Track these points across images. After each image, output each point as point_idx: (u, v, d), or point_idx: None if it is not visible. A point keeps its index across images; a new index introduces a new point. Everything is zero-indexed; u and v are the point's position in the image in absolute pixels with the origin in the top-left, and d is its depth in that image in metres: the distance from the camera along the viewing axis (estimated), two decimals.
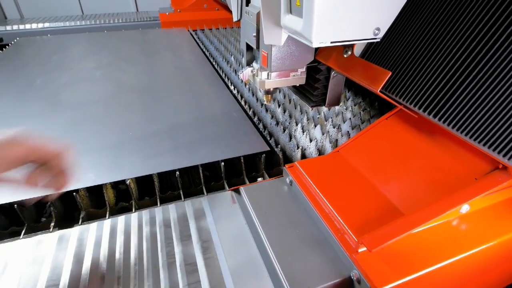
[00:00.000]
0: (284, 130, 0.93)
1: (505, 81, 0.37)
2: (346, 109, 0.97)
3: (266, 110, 1.04)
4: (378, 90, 0.51)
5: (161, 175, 0.76)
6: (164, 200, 0.73)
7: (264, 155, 0.81)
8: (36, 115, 1.01)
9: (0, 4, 2.41)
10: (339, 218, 0.52)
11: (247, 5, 0.64)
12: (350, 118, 0.90)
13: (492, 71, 0.38)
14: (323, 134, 0.87)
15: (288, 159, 0.87)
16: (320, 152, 0.83)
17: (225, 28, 2.13)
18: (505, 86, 0.37)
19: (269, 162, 0.85)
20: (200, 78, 1.31)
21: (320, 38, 0.44)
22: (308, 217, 0.57)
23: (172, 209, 0.62)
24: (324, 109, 0.98)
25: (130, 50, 1.65)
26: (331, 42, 0.45)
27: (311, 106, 0.75)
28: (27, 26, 2.08)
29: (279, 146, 0.86)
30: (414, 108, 0.46)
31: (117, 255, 0.53)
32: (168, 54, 1.60)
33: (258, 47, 0.64)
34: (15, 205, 0.64)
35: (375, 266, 0.45)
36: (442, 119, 0.43)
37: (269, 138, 0.93)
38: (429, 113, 0.44)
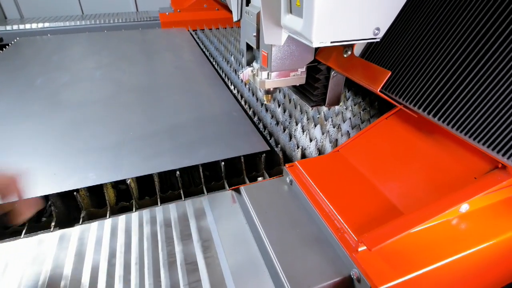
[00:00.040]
0: (284, 130, 0.93)
1: (504, 81, 0.37)
2: (346, 108, 0.98)
3: (266, 110, 1.05)
4: (378, 90, 0.51)
5: (161, 174, 0.77)
6: (165, 200, 0.73)
7: (264, 154, 0.81)
8: (36, 115, 1.01)
9: (0, 4, 2.41)
10: (339, 217, 0.52)
11: (247, 5, 0.65)
12: (350, 118, 0.90)
13: (491, 71, 0.38)
14: (323, 133, 0.87)
15: (288, 159, 0.87)
16: (320, 151, 0.84)
17: (225, 28, 2.13)
18: (504, 85, 0.37)
19: (269, 162, 0.85)
20: (200, 78, 1.31)
21: (320, 38, 0.44)
22: (308, 216, 0.57)
23: (172, 208, 0.62)
24: (324, 108, 0.98)
25: (130, 50, 1.66)
26: (331, 42, 0.46)
27: (311, 106, 0.75)
28: (27, 26, 2.08)
29: (279, 145, 0.87)
30: (413, 108, 0.46)
31: (118, 254, 0.53)
32: (168, 54, 1.60)
33: (258, 47, 0.65)
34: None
35: (375, 265, 0.45)
36: (442, 119, 0.43)
37: (269, 138, 0.93)
38: (429, 113, 0.44)
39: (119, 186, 0.79)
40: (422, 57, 0.46)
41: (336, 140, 0.84)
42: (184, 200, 0.67)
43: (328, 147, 0.82)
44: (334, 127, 0.88)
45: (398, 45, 0.49)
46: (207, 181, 0.78)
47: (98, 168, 0.76)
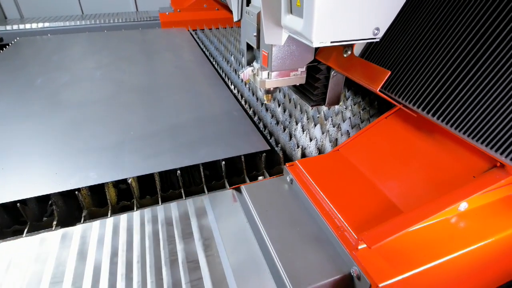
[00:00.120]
0: (284, 129, 0.93)
1: (503, 80, 0.38)
2: (346, 108, 0.98)
3: (266, 110, 1.05)
4: (378, 90, 0.51)
5: (161, 174, 0.77)
6: (165, 199, 0.74)
7: (265, 154, 0.81)
8: (36, 115, 1.01)
9: (0, 4, 2.41)
10: (339, 215, 0.52)
11: (247, 5, 0.65)
12: (349, 117, 0.91)
13: (490, 70, 0.39)
14: (323, 133, 0.88)
15: (288, 158, 0.87)
16: (320, 151, 0.84)
17: (225, 28, 2.13)
18: (503, 85, 0.38)
19: (269, 161, 0.86)
20: (200, 77, 1.31)
21: (320, 38, 0.45)
22: (309, 215, 0.58)
23: (174, 207, 0.63)
24: (324, 108, 0.99)
25: (130, 50, 1.66)
26: (331, 42, 0.46)
27: (311, 106, 0.75)
28: (27, 26, 2.08)
29: (279, 145, 0.87)
30: (413, 107, 0.47)
31: (120, 253, 0.53)
32: (168, 54, 1.60)
33: (258, 46, 0.65)
34: (18, 204, 0.65)
35: (375, 262, 0.45)
36: (441, 118, 0.43)
37: (269, 137, 0.94)
38: (428, 112, 0.45)
39: (120, 185, 0.79)
40: (421, 57, 0.46)
41: (336, 139, 0.84)
42: (185, 199, 0.67)
43: (328, 146, 0.83)
44: (334, 127, 0.88)
45: (397, 45, 0.50)
46: (208, 181, 0.79)
47: (99, 168, 0.76)
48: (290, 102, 1.06)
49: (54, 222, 0.67)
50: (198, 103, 1.08)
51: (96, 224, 0.59)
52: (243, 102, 1.14)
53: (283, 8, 0.49)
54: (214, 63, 1.52)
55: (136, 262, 0.52)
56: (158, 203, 0.72)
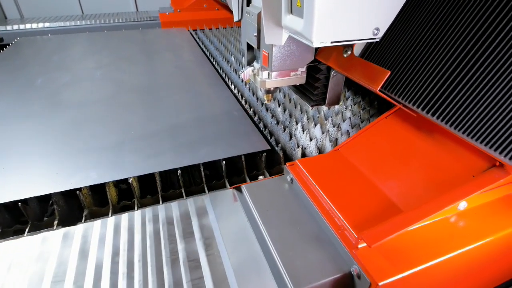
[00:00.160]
0: (285, 129, 0.94)
1: (502, 80, 0.38)
2: (346, 108, 0.98)
3: (267, 110, 1.05)
4: (378, 89, 0.51)
5: (162, 174, 0.77)
6: (166, 199, 0.74)
7: (265, 154, 0.81)
8: (36, 115, 1.02)
9: (0, 4, 2.41)
10: (339, 215, 0.53)
11: (248, 5, 0.65)
12: (349, 117, 0.91)
13: (489, 70, 0.39)
14: (323, 133, 0.88)
15: (288, 158, 0.88)
16: (320, 151, 0.84)
17: (225, 28, 2.13)
18: (502, 84, 0.38)
19: (269, 161, 0.86)
20: (200, 77, 1.31)
21: (321, 38, 0.45)
22: (309, 214, 0.58)
23: (174, 207, 0.63)
24: (324, 108, 0.99)
25: (130, 50, 1.66)
26: (331, 42, 0.46)
27: (311, 105, 0.76)
28: (27, 26, 2.08)
29: (280, 145, 0.87)
30: (412, 107, 0.47)
31: (121, 252, 0.53)
32: (168, 54, 1.60)
33: (259, 47, 0.65)
34: (19, 203, 0.65)
35: (375, 261, 0.46)
36: (440, 118, 0.44)
37: (269, 137, 0.94)
38: (428, 112, 0.45)
39: (121, 185, 0.79)
40: (421, 57, 0.47)
41: (336, 139, 0.85)
42: (186, 198, 0.67)
43: (328, 146, 0.83)
44: (334, 127, 0.89)
45: (397, 45, 0.50)
46: (208, 180, 0.79)
47: (100, 168, 0.76)
48: (290, 102, 1.07)
49: (55, 222, 0.68)
50: (198, 103, 1.08)
51: (97, 223, 0.59)
52: (243, 102, 1.15)
53: (283, 8, 0.50)
54: (214, 63, 1.52)
55: (138, 261, 0.52)
56: (159, 202, 0.73)
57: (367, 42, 0.56)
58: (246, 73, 0.69)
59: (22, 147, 0.85)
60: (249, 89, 1.21)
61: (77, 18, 2.25)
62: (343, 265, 0.48)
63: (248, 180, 0.80)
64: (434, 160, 0.53)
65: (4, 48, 1.70)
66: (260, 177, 0.80)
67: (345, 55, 0.60)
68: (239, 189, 0.67)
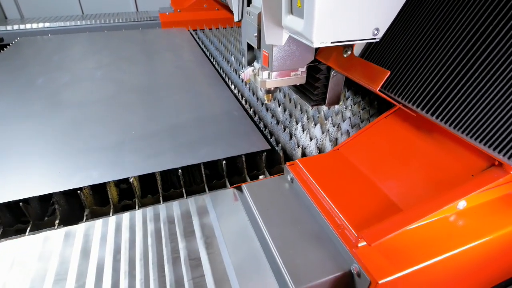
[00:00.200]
0: (285, 129, 0.94)
1: (501, 80, 0.38)
2: (346, 108, 0.99)
3: (267, 109, 1.06)
4: (377, 89, 0.52)
5: (162, 173, 0.77)
6: (167, 198, 0.74)
7: (265, 153, 0.82)
8: (36, 115, 1.02)
9: (0, 4, 2.41)
10: (339, 214, 0.53)
11: (248, 6, 0.65)
12: (349, 117, 0.91)
13: (488, 70, 0.39)
14: (323, 133, 0.88)
15: (288, 158, 0.88)
16: (320, 150, 0.85)
17: (225, 28, 2.14)
18: (501, 84, 0.38)
19: (270, 161, 0.86)
20: (200, 77, 1.32)
21: (321, 39, 0.45)
22: (309, 213, 0.58)
23: (175, 206, 0.63)
24: (324, 108, 0.99)
25: (130, 50, 1.66)
26: (332, 42, 0.47)
27: (311, 105, 0.76)
28: (28, 26, 2.08)
29: (280, 144, 0.88)
30: (412, 107, 0.47)
31: (123, 250, 0.54)
32: (168, 54, 1.60)
33: (259, 47, 0.65)
34: (20, 203, 0.65)
35: (375, 260, 0.46)
36: (440, 118, 0.44)
37: (269, 137, 0.94)
38: (427, 112, 0.45)
39: (121, 184, 0.79)
40: (420, 57, 0.47)
41: (336, 139, 0.85)
42: (187, 198, 0.68)
43: (328, 146, 0.83)
44: (334, 126, 0.89)
45: (397, 45, 0.50)
46: (208, 180, 0.79)
47: (100, 167, 0.76)
48: (290, 102, 1.07)
49: (57, 221, 0.68)
50: (199, 103, 1.09)
51: (99, 222, 0.59)
52: (243, 102, 1.15)
53: (283, 8, 0.50)
54: (214, 63, 1.53)
55: (139, 259, 0.52)
56: (160, 202, 0.73)
57: (367, 42, 0.56)
58: (247, 73, 0.70)
59: (23, 147, 0.85)
60: (249, 89, 1.21)
61: (77, 18, 2.25)
62: (343, 264, 0.49)
63: (248, 179, 0.81)
64: (433, 159, 0.54)
65: (4, 48, 1.70)
66: (261, 177, 0.80)
67: (345, 55, 0.60)
68: (239, 189, 0.67)
